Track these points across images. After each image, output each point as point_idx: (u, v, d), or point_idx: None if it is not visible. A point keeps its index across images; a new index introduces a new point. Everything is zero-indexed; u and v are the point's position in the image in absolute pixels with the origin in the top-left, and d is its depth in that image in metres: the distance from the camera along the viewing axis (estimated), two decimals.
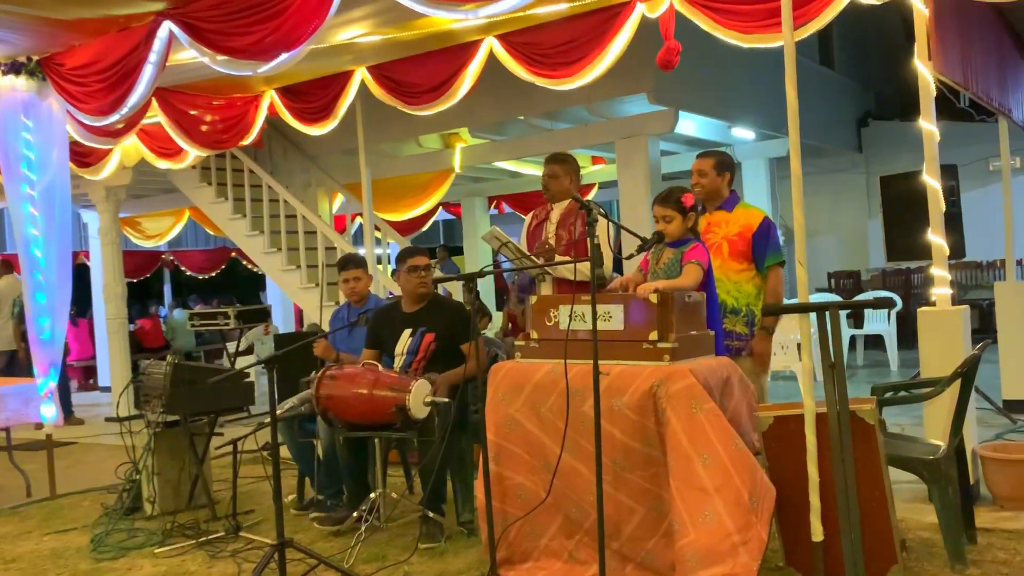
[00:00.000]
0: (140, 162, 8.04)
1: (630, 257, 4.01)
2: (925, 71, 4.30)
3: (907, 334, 9.29)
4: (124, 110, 5.57)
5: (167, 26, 5.12)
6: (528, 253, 4.91)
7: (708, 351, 3.61)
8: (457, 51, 6.13)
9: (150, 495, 5.12)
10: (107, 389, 11.06)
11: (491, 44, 5.95)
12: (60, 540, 4.80)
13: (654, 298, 3.39)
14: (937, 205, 4.33)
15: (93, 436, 8.19)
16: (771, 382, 8.16)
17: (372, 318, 4.84)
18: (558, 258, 4.78)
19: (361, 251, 7.99)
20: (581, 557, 3.50)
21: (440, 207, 13.16)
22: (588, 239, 3.26)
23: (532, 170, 11.36)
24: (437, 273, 5.43)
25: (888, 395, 4.05)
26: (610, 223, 4.55)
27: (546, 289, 4.89)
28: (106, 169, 7.87)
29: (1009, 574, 3.42)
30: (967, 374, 3.66)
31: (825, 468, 3.14)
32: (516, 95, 7.28)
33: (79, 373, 13.13)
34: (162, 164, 7.57)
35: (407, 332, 4.66)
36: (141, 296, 16.96)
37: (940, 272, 4.37)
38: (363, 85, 6.65)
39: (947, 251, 4.41)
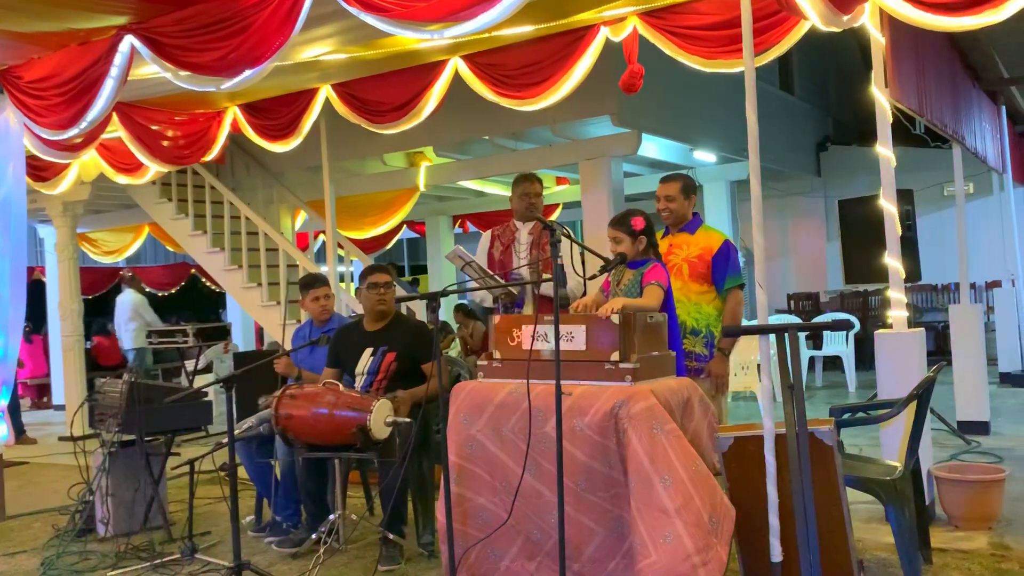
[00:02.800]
0: (99, 177, 7.92)
1: (593, 277, 4.04)
2: (882, 98, 4.39)
3: (865, 355, 9.44)
4: (83, 124, 5.49)
5: (129, 40, 5.06)
6: (491, 273, 4.92)
7: (669, 371, 3.64)
8: (422, 70, 6.15)
9: (103, 516, 5.01)
10: (61, 407, 10.84)
11: (456, 64, 5.97)
12: (9, 563, 4.67)
13: (616, 318, 3.40)
14: (893, 229, 4.41)
15: (46, 456, 8.01)
16: (732, 403, 8.27)
17: (333, 337, 4.80)
18: (510, 278, 4.80)
19: (324, 269, 7.94)
20: None
21: (404, 225, 13.14)
22: (552, 259, 3.28)
23: (497, 190, 11.39)
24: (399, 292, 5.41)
25: (846, 416, 4.10)
26: (573, 243, 4.58)
27: (529, 307, 4.90)
28: (64, 183, 7.74)
29: None
30: (923, 396, 3.72)
31: (784, 489, 3.16)
32: (481, 115, 7.31)
33: (33, 391, 12.85)
34: (122, 179, 7.47)
35: (368, 351, 4.63)
36: (98, 313, 16.65)
37: (896, 295, 4.44)
38: (327, 103, 6.64)
39: (903, 274, 4.49)
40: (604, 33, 5.37)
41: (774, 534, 3.17)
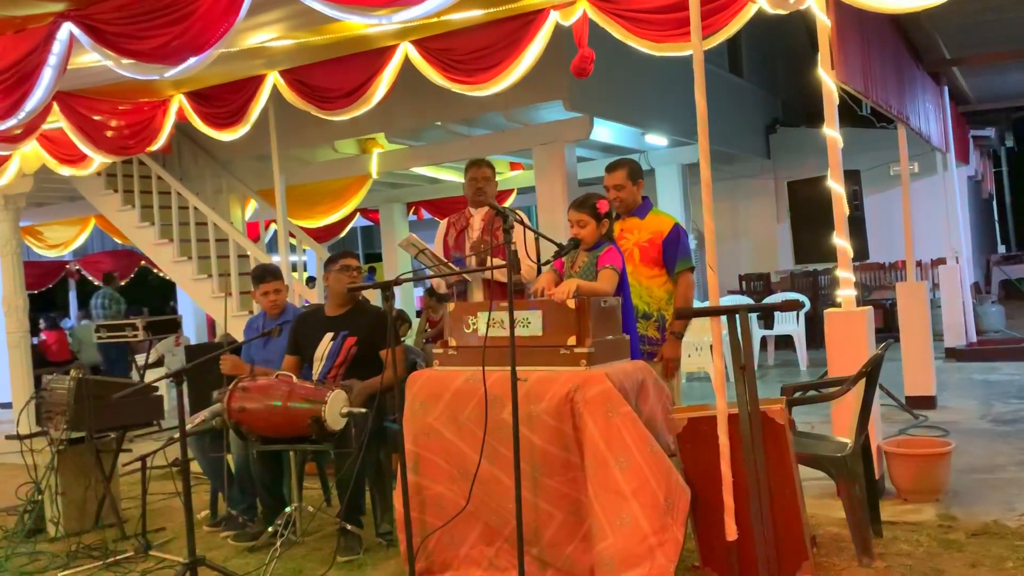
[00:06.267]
0: (41, 169, 7.72)
1: (547, 263, 4.05)
2: (828, 80, 4.44)
3: (815, 334, 9.60)
4: (22, 115, 5.34)
5: (67, 28, 4.92)
6: (446, 260, 4.90)
7: (624, 355, 3.66)
8: (372, 56, 6.07)
9: (53, 516, 4.91)
10: (7, 405, 10.58)
11: (406, 49, 5.91)
12: None
13: (572, 303, 3.41)
14: (841, 209, 4.47)
15: None
16: (686, 383, 8.36)
17: (293, 323, 4.76)
18: (471, 264, 4.79)
19: (275, 259, 7.84)
20: (501, 564, 3.49)
21: (358, 213, 13.03)
22: (505, 245, 3.27)
23: (450, 176, 11.35)
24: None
25: (797, 395, 4.16)
26: (527, 229, 4.58)
27: (477, 291, 4.89)
28: (4, 176, 7.54)
29: (912, 565, 3.55)
30: (871, 373, 3.79)
31: (738, 468, 3.20)
32: (433, 101, 7.26)
33: None
34: (65, 171, 7.29)
35: (328, 336, 4.60)
36: (45, 307, 16.30)
37: (845, 274, 4.51)
38: (276, 89, 6.53)
39: (851, 253, 4.56)
40: (554, 17, 5.36)
41: (729, 513, 3.22)
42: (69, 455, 4.94)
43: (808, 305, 9.94)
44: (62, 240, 12.96)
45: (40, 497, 4.95)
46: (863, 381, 3.78)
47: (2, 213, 8.85)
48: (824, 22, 4.43)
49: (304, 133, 8.29)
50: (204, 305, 8.71)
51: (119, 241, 13.34)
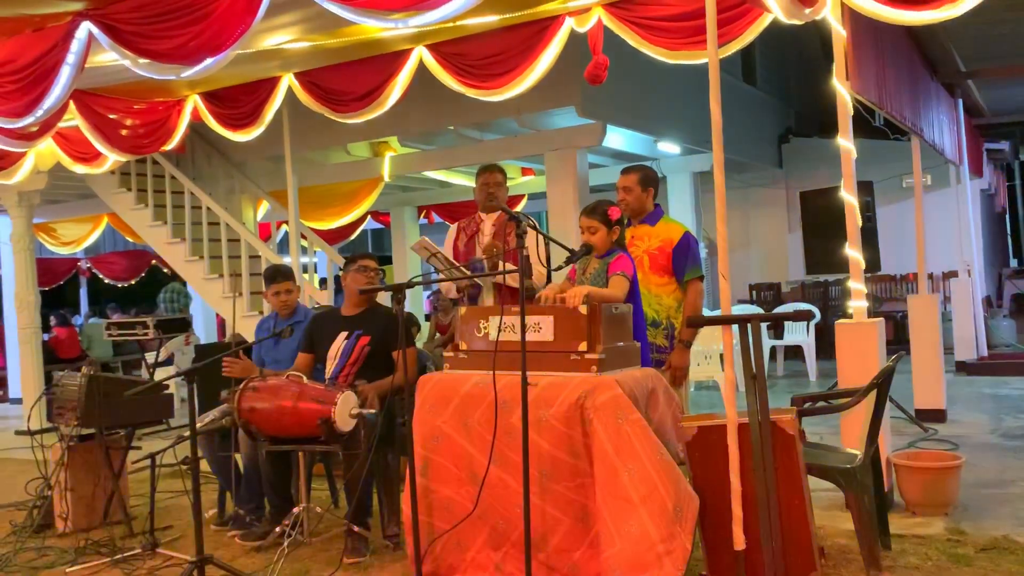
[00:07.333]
0: (56, 166, 7.77)
1: (558, 269, 4.05)
2: (843, 90, 4.44)
3: (825, 345, 9.56)
4: (39, 113, 5.37)
5: (86, 27, 4.96)
6: (457, 263, 4.91)
7: (634, 362, 3.66)
8: (387, 60, 6.10)
9: (62, 511, 4.93)
10: (18, 401, 10.64)
11: (421, 53, 5.94)
12: None
13: (583, 309, 3.42)
14: (854, 220, 4.46)
15: (2, 450, 7.86)
16: (695, 392, 8.34)
17: (309, 322, 4.79)
18: (482, 269, 4.80)
19: (287, 260, 7.87)
20: (508, 569, 3.49)
21: (369, 216, 13.06)
22: (517, 250, 3.28)
23: (462, 180, 11.37)
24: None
25: (807, 405, 4.15)
26: (539, 235, 4.59)
27: (488, 296, 4.90)
28: (19, 173, 7.58)
29: None
30: (882, 385, 3.78)
31: (747, 477, 3.20)
32: (446, 105, 7.28)
33: None
34: (79, 169, 7.33)
35: (342, 335, 4.62)
36: (56, 304, 16.38)
37: (857, 285, 4.50)
38: (290, 92, 6.56)
39: (863, 265, 4.55)
40: (569, 24, 5.37)
41: (737, 522, 3.21)
42: (79, 451, 4.96)
43: (819, 316, 9.91)
44: (75, 237, 13.04)
45: (49, 493, 4.97)
46: (873, 393, 3.77)
47: (16, 210, 8.91)
48: (840, 33, 4.43)
49: (317, 135, 8.32)
50: (215, 305, 8.75)
51: (131, 240, 13.40)
